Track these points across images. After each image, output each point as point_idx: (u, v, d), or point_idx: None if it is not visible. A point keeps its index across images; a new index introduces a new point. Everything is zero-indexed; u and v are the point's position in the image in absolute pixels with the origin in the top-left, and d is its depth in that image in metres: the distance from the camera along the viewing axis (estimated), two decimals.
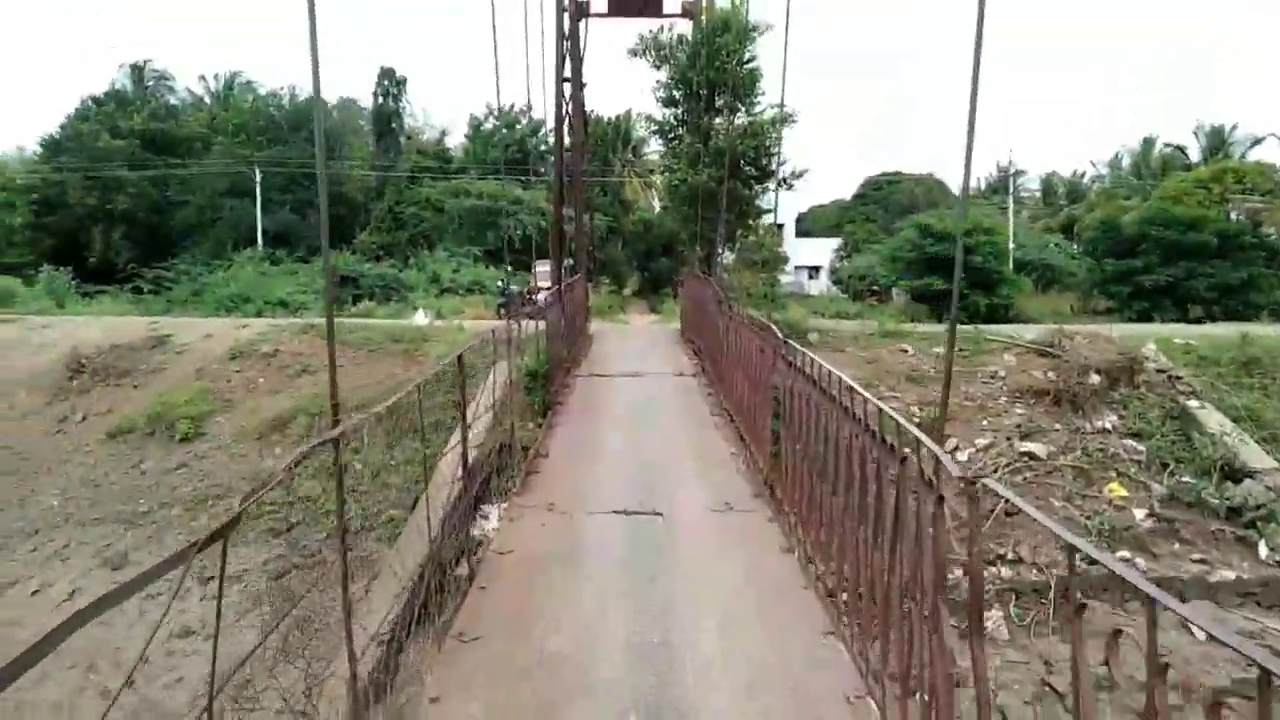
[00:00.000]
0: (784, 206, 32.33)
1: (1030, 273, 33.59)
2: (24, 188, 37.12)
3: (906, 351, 12.74)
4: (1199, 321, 26.61)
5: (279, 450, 10.18)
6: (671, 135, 23.95)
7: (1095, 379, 10.48)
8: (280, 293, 23.61)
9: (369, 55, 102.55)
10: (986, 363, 11.92)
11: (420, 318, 16.47)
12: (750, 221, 23.05)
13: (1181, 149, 50.43)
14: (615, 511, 6.50)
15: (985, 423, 10.11)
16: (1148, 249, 29.53)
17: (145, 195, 36.92)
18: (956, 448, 9.51)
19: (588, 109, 37.58)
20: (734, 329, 9.39)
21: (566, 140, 17.29)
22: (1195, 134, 48.86)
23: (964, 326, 16.20)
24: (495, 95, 37.35)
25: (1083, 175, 58.92)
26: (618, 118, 45.36)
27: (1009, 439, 9.62)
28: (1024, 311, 29.22)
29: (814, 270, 47.47)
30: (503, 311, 18.91)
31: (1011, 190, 39.39)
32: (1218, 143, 47.54)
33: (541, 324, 10.39)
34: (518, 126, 42.76)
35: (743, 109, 22.09)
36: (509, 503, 7.00)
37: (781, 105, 19.43)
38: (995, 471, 9.00)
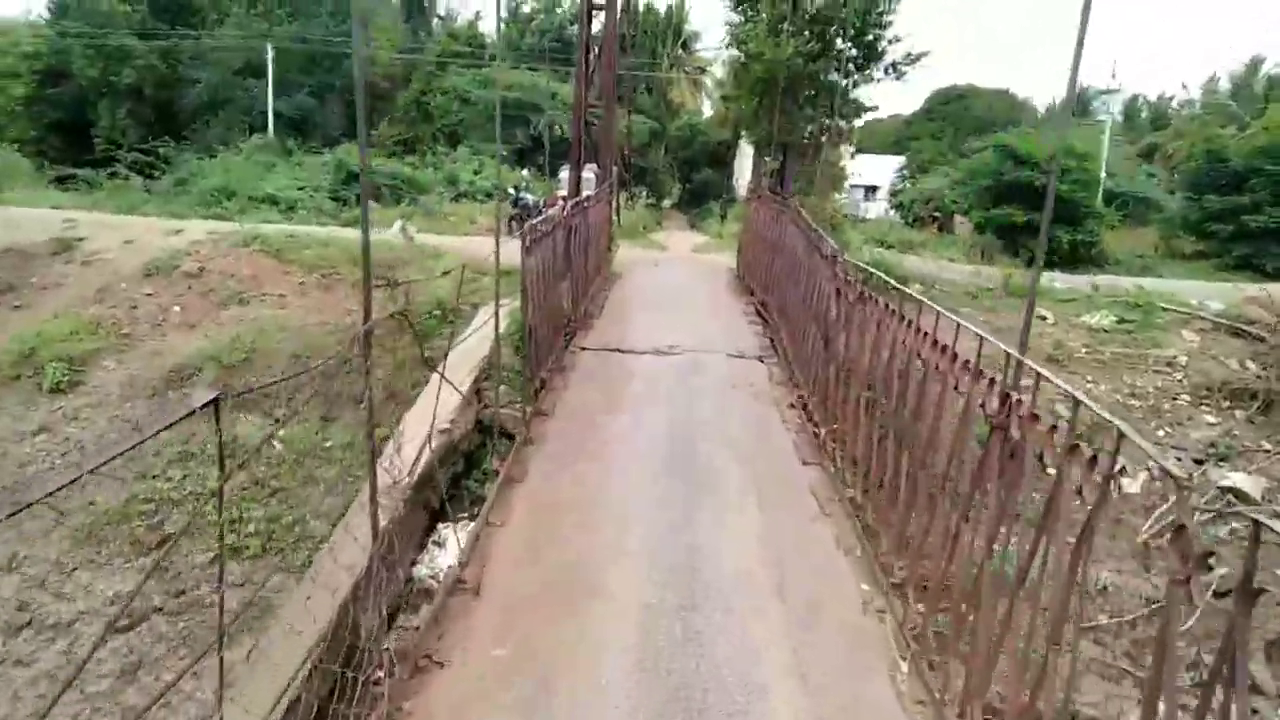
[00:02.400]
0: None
1: (1120, 206, 29.97)
2: (27, 55, 34.35)
3: (1046, 319, 9.76)
4: None
5: (179, 412, 7.71)
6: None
7: None
8: (271, 187, 20.84)
9: None
10: (1159, 342, 8.97)
11: (395, 232, 13.64)
12: (842, 123, 17.52)
13: None
14: None
15: (1162, 434, 7.35)
16: (1258, 184, 26.01)
17: (153, 69, 33.99)
18: (1122, 470, 6.71)
19: None
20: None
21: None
22: None
23: (1119, 283, 12.47)
24: None
25: (1170, 98, 53.88)
26: (670, 6, 41.32)
27: (1199, 462, 6.84)
28: (1106, 251, 26.03)
29: (870, 190, 43.80)
30: (514, 226, 16.10)
31: (1109, 111, 35.03)
32: None
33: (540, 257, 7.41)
34: (558, 10, 38.98)
35: None
36: None
37: None
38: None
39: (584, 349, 8.85)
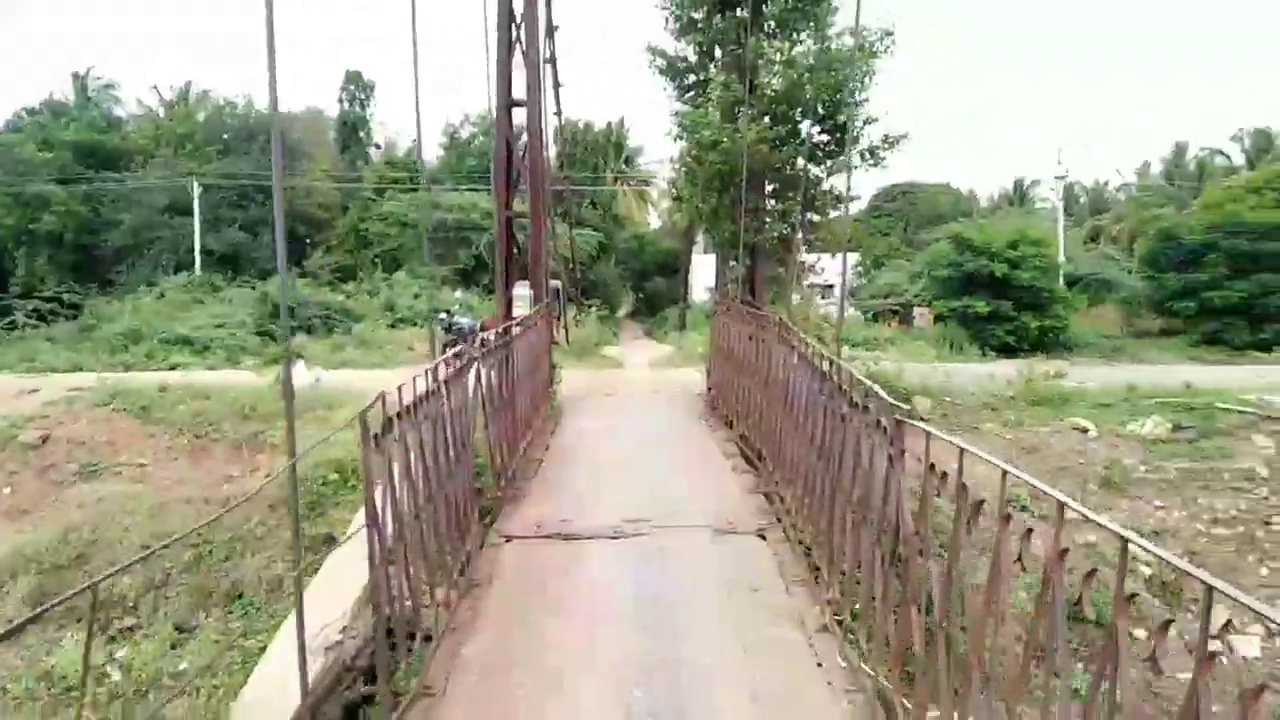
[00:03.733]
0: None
1: (1082, 290, 29.67)
2: None
3: (1088, 431, 8.21)
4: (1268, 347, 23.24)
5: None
6: (692, 79, 16.32)
7: None
8: (186, 327, 18.92)
9: (339, 62, 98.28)
10: (1229, 451, 7.48)
11: (302, 374, 11.73)
12: (815, 217, 14.71)
13: (1222, 153, 46.51)
14: None
15: (1265, 571, 5.78)
16: (1215, 260, 25.84)
17: (74, 214, 32.53)
18: (1228, 624, 5.04)
19: (574, 118, 33.43)
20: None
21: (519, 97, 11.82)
22: (1238, 138, 44.93)
23: (1152, 375, 10.42)
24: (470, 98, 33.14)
25: (1105, 184, 55.39)
26: (609, 125, 41.48)
27: None
28: (1074, 334, 25.35)
29: (826, 289, 43.37)
30: (448, 353, 14.40)
31: (1058, 198, 35.12)
32: (1265, 145, 43.51)
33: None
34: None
35: (809, 28, 14.22)
36: None
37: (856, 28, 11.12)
38: None
39: (509, 538, 6.41)
